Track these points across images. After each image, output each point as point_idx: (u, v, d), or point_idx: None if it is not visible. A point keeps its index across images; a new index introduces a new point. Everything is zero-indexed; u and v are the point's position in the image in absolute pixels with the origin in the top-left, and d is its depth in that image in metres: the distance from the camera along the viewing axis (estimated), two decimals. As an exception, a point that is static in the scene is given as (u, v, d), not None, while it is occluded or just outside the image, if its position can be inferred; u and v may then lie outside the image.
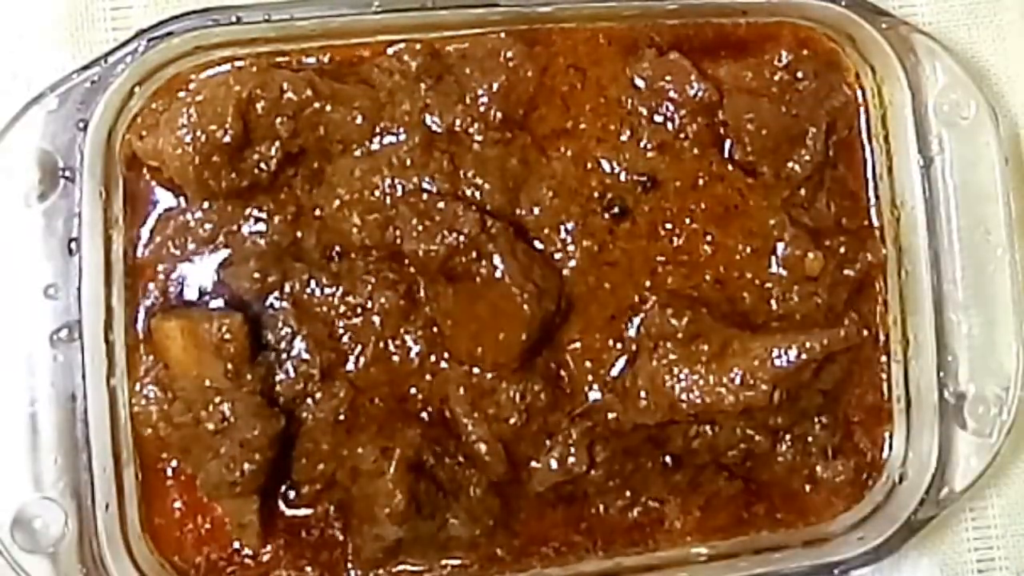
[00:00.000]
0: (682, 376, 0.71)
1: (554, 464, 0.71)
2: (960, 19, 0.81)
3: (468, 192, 0.71)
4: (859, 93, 0.76)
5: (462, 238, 0.68)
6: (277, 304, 0.70)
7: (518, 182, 0.72)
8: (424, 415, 0.71)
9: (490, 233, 0.69)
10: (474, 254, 0.69)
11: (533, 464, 0.72)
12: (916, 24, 0.75)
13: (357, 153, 0.71)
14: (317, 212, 0.71)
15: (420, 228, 0.69)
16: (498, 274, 0.68)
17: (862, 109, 0.76)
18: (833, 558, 0.72)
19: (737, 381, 0.70)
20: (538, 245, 0.72)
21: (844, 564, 0.72)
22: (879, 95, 0.75)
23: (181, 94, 0.68)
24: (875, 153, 0.76)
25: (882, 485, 0.76)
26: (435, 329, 0.71)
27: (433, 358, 0.71)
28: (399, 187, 0.70)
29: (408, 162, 0.70)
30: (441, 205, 0.69)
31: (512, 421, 0.70)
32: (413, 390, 0.71)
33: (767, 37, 0.75)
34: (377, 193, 0.70)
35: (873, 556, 0.72)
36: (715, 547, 0.75)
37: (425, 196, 0.70)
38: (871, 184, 0.76)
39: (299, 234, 0.71)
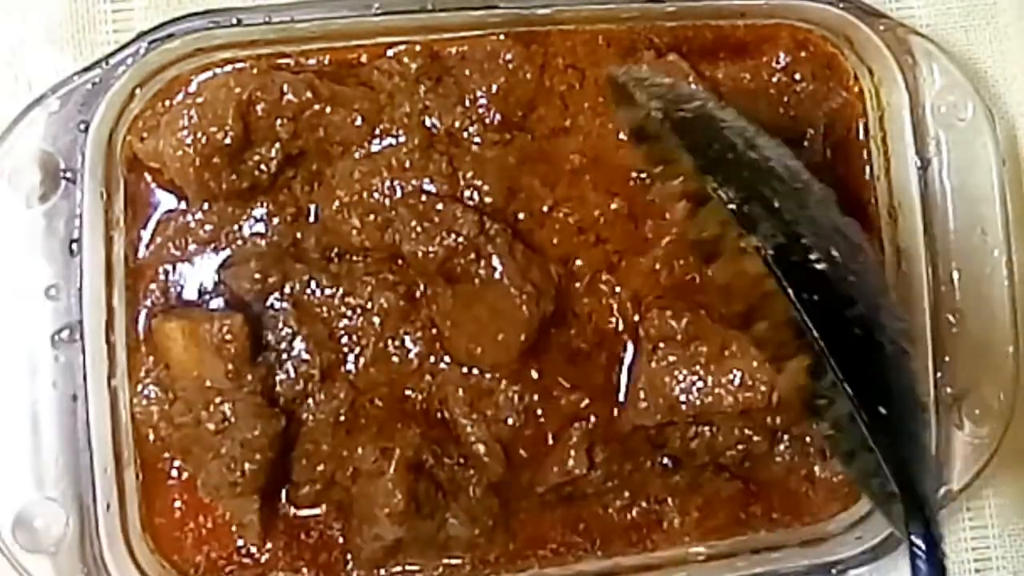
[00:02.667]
0: (681, 377, 0.71)
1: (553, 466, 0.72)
2: (957, 21, 0.81)
3: (467, 193, 0.71)
4: (857, 95, 0.76)
5: (461, 239, 0.69)
6: (278, 305, 0.70)
7: (517, 183, 0.72)
8: (423, 416, 0.71)
9: (488, 235, 0.69)
10: (473, 255, 0.69)
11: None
12: (913, 26, 0.75)
13: (357, 155, 0.71)
14: (317, 213, 0.71)
15: (419, 230, 0.69)
16: (496, 275, 0.69)
17: (860, 111, 0.76)
18: (831, 557, 0.73)
19: (736, 382, 0.70)
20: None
21: (842, 563, 0.72)
22: (877, 97, 0.75)
23: (180, 96, 0.69)
24: (873, 155, 0.76)
25: (880, 485, 0.76)
26: (435, 330, 0.71)
27: (432, 359, 0.71)
28: (398, 189, 0.71)
29: (407, 164, 0.70)
30: (440, 207, 0.69)
31: (510, 422, 0.71)
32: (412, 391, 0.71)
33: (765, 39, 0.75)
34: (376, 195, 0.70)
35: (870, 556, 0.72)
36: (713, 547, 0.75)
37: (424, 198, 0.70)
38: (868, 186, 0.77)
39: (299, 235, 0.71)
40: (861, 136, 0.76)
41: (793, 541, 0.75)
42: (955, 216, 0.73)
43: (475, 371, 0.70)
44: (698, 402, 0.71)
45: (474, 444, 0.70)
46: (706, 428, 0.72)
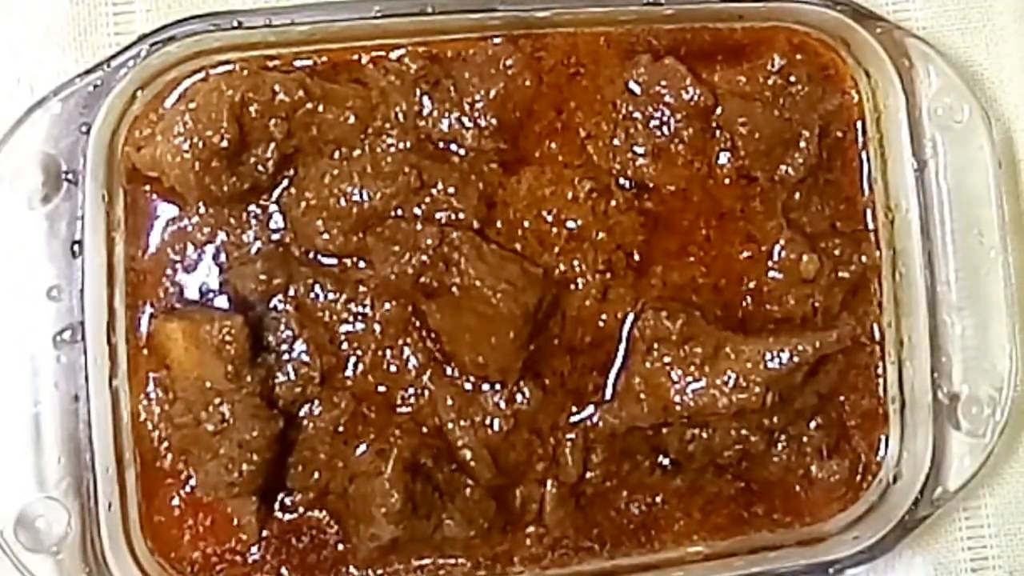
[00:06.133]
0: (675, 378, 0.71)
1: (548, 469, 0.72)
2: (954, 23, 0.81)
3: (436, 203, 0.70)
4: (854, 97, 0.76)
5: (425, 255, 0.69)
6: (280, 307, 0.70)
7: (504, 188, 0.72)
8: (417, 423, 0.71)
9: (453, 244, 0.69)
10: (443, 266, 0.69)
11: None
12: (910, 28, 0.75)
13: (335, 157, 0.70)
14: (285, 215, 0.71)
15: (388, 254, 0.69)
16: (470, 281, 0.69)
17: (857, 113, 0.76)
18: (828, 557, 0.73)
19: (730, 383, 0.71)
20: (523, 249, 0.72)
21: (839, 563, 0.72)
22: (874, 99, 0.76)
23: (171, 101, 0.69)
24: (870, 156, 0.76)
25: (877, 485, 0.76)
26: (432, 339, 0.71)
27: (429, 368, 0.71)
28: (365, 195, 0.70)
29: (383, 169, 0.70)
30: (403, 225, 0.69)
31: (497, 427, 0.71)
32: (410, 398, 0.71)
33: (762, 42, 0.75)
34: (343, 201, 0.70)
35: (868, 555, 0.72)
36: (712, 546, 0.75)
37: (389, 221, 0.70)
38: (866, 187, 0.77)
39: (287, 238, 0.71)
40: (858, 138, 0.77)
41: (790, 541, 0.75)
42: (952, 217, 0.74)
43: (466, 378, 0.71)
44: (692, 403, 0.71)
45: (461, 450, 0.70)
46: (702, 430, 0.73)
